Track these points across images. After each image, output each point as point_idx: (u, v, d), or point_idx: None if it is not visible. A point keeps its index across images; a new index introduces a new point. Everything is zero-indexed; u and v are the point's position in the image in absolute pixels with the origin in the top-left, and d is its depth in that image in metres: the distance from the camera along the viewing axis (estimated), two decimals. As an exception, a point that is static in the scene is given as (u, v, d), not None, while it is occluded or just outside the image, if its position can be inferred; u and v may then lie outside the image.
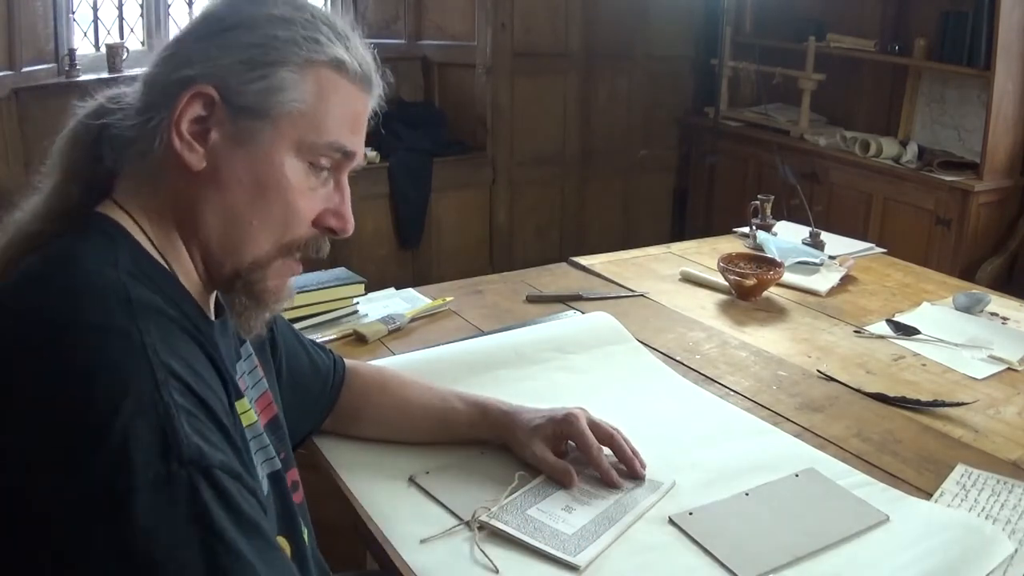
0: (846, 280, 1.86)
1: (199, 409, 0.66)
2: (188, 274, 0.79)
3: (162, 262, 0.77)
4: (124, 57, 3.23)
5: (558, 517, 0.99)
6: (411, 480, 1.07)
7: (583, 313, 1.62)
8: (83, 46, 3.25)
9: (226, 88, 0.75)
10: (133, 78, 0.81)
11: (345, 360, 1.18)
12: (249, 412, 0.81)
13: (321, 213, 0.81)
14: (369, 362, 1.26)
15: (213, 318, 0.83)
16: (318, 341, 1.20)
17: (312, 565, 0.90)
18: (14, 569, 0.63)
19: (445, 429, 1.14)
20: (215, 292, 0.85)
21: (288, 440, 0.96)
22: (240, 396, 0.80)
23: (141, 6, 3.43)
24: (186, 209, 0.77)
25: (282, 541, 0.83)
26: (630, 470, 1.07)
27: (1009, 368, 1.45)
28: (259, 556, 0.64)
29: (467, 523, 0.97)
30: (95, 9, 3.33)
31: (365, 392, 1.16)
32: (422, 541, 0.95)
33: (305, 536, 0.89)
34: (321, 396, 1.12)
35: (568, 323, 1.55)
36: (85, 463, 0.61)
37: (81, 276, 0.69)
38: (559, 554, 0.92)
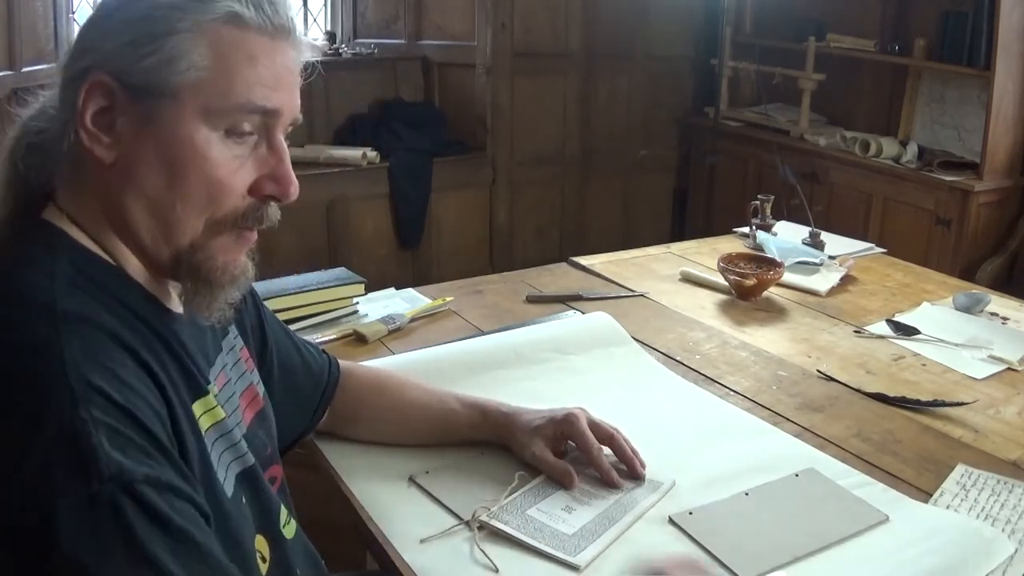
0: (846, 280, 1.86)
1: (123, 421, 0.63)
2: (136, 270, 0.77)
3: (110, 260, 0.75)
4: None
5: (558, 517, 0.99)
6: (411, 480, 1.07)
7: (583, 313, 1.62)
8: (83, 46, 3.25)
9: (119, 72, 0.71)
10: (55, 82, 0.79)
11: (341, 362, 1.17)
12: (215, 410, 0.78)
13: (257, 180, 0.77)
14: (366, 363, 1.26)
15: (180, 310, 0.81)
16: (317, 341, 1.20)
17: (295, 560, 0.88)
18: None
19: (444, 431, 1.14)
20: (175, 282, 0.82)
21: (274, 435, 0.94)
22: (203, 393, 0.77)
23: (141, 6, 3.43)
24: (112, 204, 0.75)
25: (260, 540, 0.82)
26: (630, 470, 1.07)
27: (1009, 368, 1.45)
28: (187, 569, 0.62)
29: (467, 523, 0.97)
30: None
31: (362, 394, 1.15)
32: (422, 541, 0.95)
33: (287, 531, 0.88)
34: (313, 397, 1.11)
35: (567, 323, 1.55)
36: (6, 490, 0.59)
37: (9, 292, 0.68)
38: (559, 554, 0.92)
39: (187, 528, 0.63)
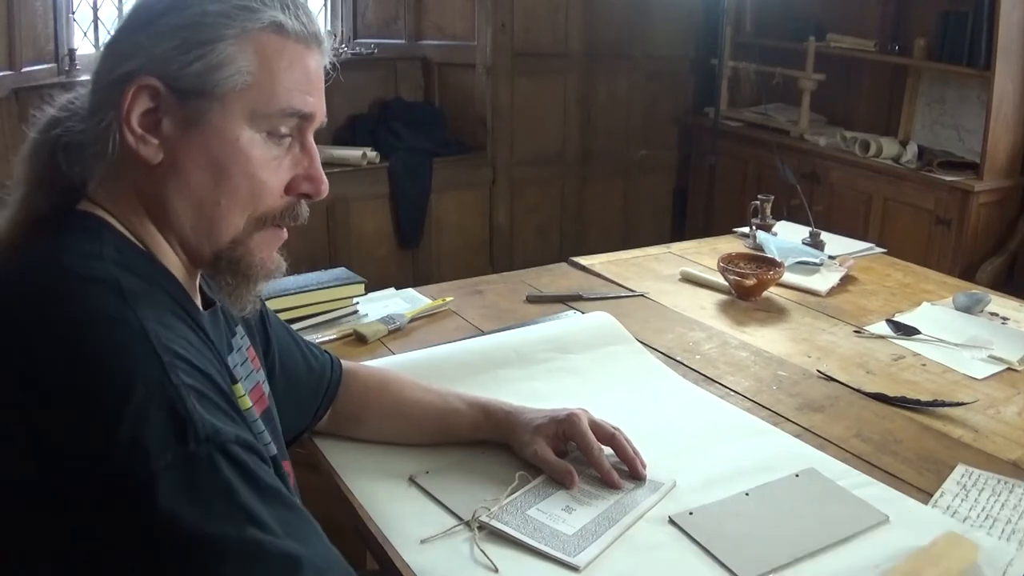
0: (846, 280, 1.86)
1: (208, 386, 0.67)
2: (172, 263, 0.80)
3: (146, 251, 0.78)
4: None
5: (558, 517, 0.99)
6: (411, 480, 1.07)
7: (583, 313, 1.62)
8: (83, 46, 3.25)
9: (167, 75, 0.74)
10: (83, 83, 0.81)
11: (343, 361, 1.17)
12: (244, 398, 0.82)
13: (292, 180, 0.81)
14: (368, 363, 1.26)
15: (202, 309, 0.84)
16: (317, 341, 1.20)
17: None
18: (27, 560, 0.64)
19: (446, 430, 1.14)
20: (199, 284, 0.85)
21: (280, 432, 0.95)
22: (236, 381, 0.81)
23: (141, 6, 3.43)
24: (154, 201, 0.78)
25: None
26: (631, 470, 1.07)
27: (1009, 368, 1.45)
28: (283, 524, 0.65)
29: (467, 523, 0.97)
30: (95, 9, 3.33)
31: (364, 394, 1.15)
32: (422, 541, 0.95)
33: None
34: (314, 396, 1.11)
35: (568, 323, 1.55)
36: (103, 454, 0.61)
37: (69, 271, 0.69)
38: (559, 554, 0.92)
39: (275, 485, 0.67)
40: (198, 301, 0.84)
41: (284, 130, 0.79)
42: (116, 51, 0.77)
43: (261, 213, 0.80)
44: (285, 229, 0.84)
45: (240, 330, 0.94)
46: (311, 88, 0.81)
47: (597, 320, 1.52)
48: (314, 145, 0.83)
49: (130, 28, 0.77)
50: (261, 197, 0.79)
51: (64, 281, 0.68)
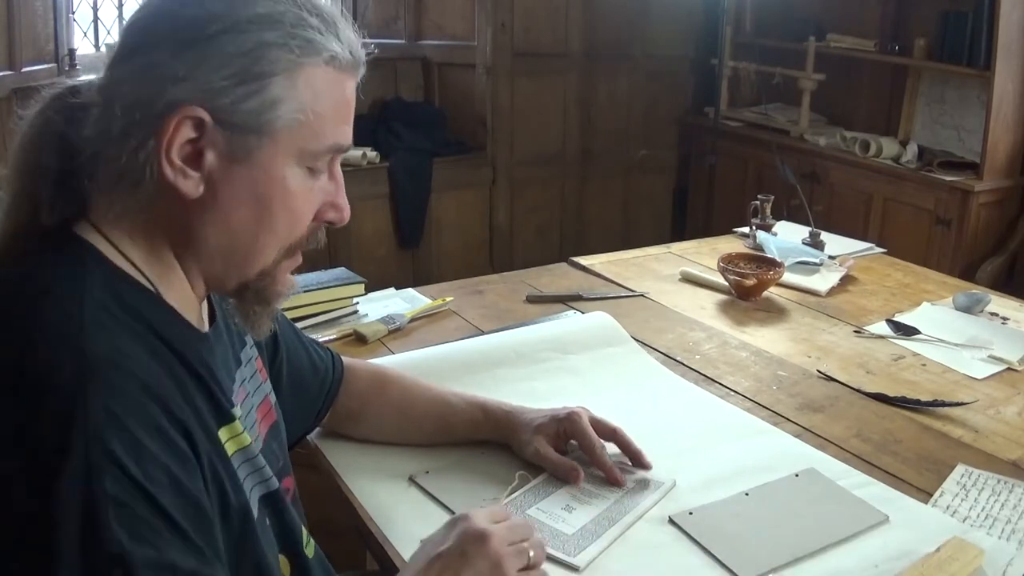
0: (846, 280, 1.86)
1: (135, 496, 0.62)
2: (180, 291, 0.76)
3: (145, 283, 0.73)
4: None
5: (558, 517, 0.99)
6: (411, 480, 1.07)
7: (583, 313, 1.62)
8: (83, 46, 3.25)
9: (217, 108, 0.69)
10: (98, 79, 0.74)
11: (344, 359, 1.17)
12: (242, 435, 0.78)
13: (320, 208, 0.79)
14: (369, 361, 1.26)
15: (207, 327, 0.81)
16: (318, 341, 1.19)
17: (321, 574, 0.88)
18: None
19: (446, 429, 1.14)
20: (206, 299, 0.82)
21: (285, 446, 0.95)
22: (231, 419, 0.76)
23: (141, 6, 3.43)
24: (183, 233, 0.74)
25: (282, 560, 0.82)
26: (637, 462, 1.07)
27: (1009, 368, 1.45)
28: None
29: (467, 523, 0.97)
30: (95, 9, 3.33)
31: (364, 393, 1.15)
32: (422, 541, 0.95)
33: (309, 551, 0.87)
34: (319, 396, 1.11)
35: (567, 323, 1.55)
36: (13, 524, 0.60)
37: (38, 321, 0.65)
38: (558, 554, 0.92)
39: None
40: (205, 323, 0.81)
41: (322, 165, 0.77)
42: (156, 70, 0.69)
43: (292, 244, 0.78)
44: (300, 255, 0.82)
45: (250, 340, 0.91)
46: (348, 117, 0.78)
47: (596, 320, 1.52)
48: (341, 173, 0.81)
49: (173, 45, 0.69)
50: (298, 230, 0.77)
51: (31, 335, 0.64)
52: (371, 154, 3.50)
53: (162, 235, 0.74)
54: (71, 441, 0.60)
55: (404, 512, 1.01)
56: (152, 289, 0.73)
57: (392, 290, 1.75)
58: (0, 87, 2.72)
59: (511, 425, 1.11)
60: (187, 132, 0.69)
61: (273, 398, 0.94)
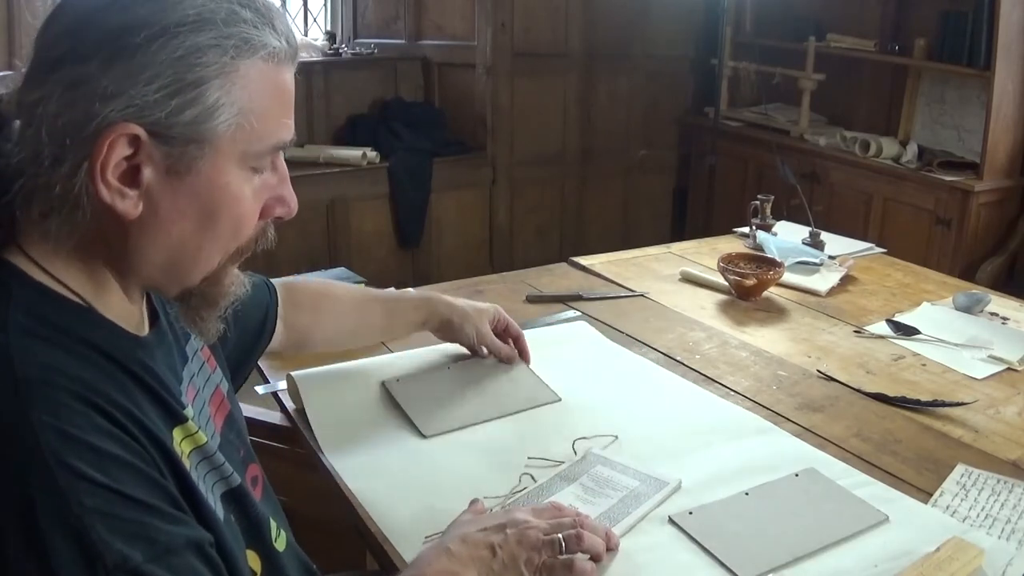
0: (846, 280, 1.86)
1: (111, 501, 0.62)
2: (116, 303, 0.73)
3: (77, 300, 0.70)
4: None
5: (558, 516, 0.99)
6: (382, 385, 1.19)
7: (583, 313, 1.62)
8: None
9: (152, 123, 0.65)
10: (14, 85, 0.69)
11: (278, 280, 1.18)
12: (197, 435, 0.76)
13: (266, 205, 0.76)
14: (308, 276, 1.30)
15: (147, 330, 0.78)
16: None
17: (289, 573, 0.88)
18: None
19: (391, 317, 1.28)
20: (144, 300, 0.80)
21: (245, 434, 0.93)
22: (183, 420, 0.75)
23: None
24: (121, 249, 0.70)
25: (251, 555, 0.81)
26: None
27: (1009, 368, 1.45)
28: None
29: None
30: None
31: (314, 300, 1.21)
32: (424, 540, 0.95)
33: (279, 544, 0.87)
34: (260, 315, 1.11)
35: (546, 332, 1.52)
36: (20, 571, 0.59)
37: None
38: None
39: None
40: (145, 325, 0.78)
41: (266, 163, 0.74)
42: (82, 86, 0.64)
43: (239, 247, 0.76)
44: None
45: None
46: (289, 109, 0.74)
47: (576, 330, 1.52)
48: (284, 165, 0.77)
49: (101, 57, 0.64)
50: (243, 233, 0.75)
51: None
52: (371, 154, 3.50)
53: (98, 254, 0.71)
54: (33, 474, 0.60)
55: (404, 512, 1.01)
56: (84, 305, 0.70)
57: (392, 290, 1.75)
58: (1, 86, 2.72)
59: (451, 305, 1.27)
60: (122, 150, 0.66)
61: (225, 386, 0.93)
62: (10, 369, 0.62)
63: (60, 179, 0.66)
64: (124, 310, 0.74)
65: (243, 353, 1.08)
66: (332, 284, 1.27)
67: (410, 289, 1.35)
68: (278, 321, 1.16)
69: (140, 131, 0.65)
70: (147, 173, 0.67)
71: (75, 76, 0.65)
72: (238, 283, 0.80)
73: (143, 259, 0.71)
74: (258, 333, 1.12)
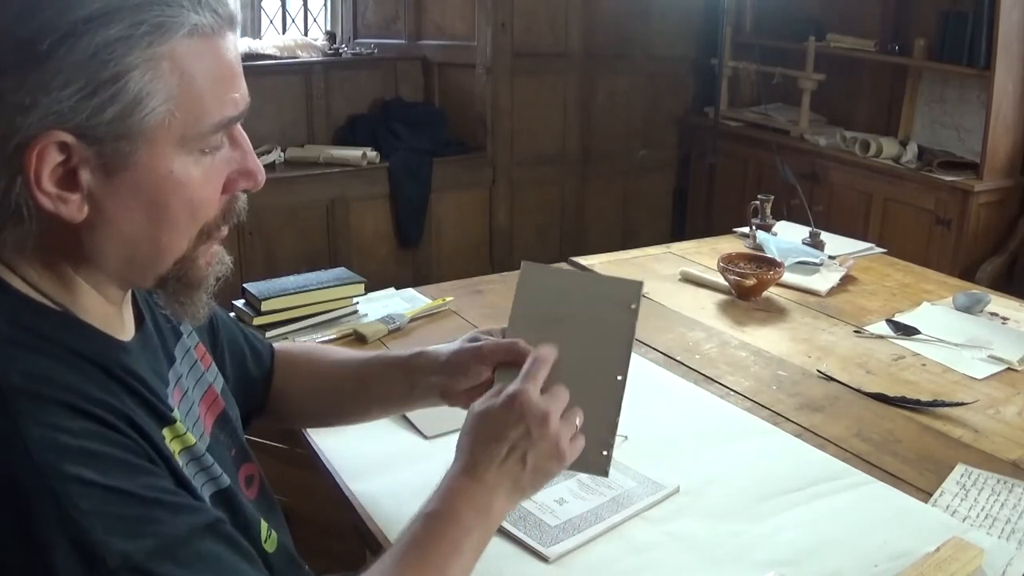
0: (846, 280, 1.87)
1: (108, 500, 0.62)
2: (93, 306, 0.73)
3: (52, 305, 0.69)
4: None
5: (547, 508, 0.99)
6: None
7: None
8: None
9: (76, 127, 0.64)
10: None
11: (278, 344, 1.15)
12: (185, 436, 0.76)
13: (228, 180, 0.74)
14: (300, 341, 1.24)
15: (132, 334, 0.78)
16: (317, 341, 1.19)
17: (278, 572, 0.86)
18: None
19: (365, 386, 1.06)
20: (131, 301, 0.79)
21: (239, 433, 0.93)
22: (171, 422, 0.74)
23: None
24: (79, 252, 0.70)
25: None
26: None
27: (1009, 368, 1.45)
28: None
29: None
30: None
31: (292, 367, 1.11)
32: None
33: (269, 545, 0.86)
34: (260, 379, 1.09)
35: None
36: None
37: None
38: (532, 543, 0.93)
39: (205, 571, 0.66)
40: (129, 329, 0.78)
41: (216, 140, 0.71)
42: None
43: (204, 228, 0.74)
44: (225, 227, 0.77)
45: (187, 328, 0.89)
46: (235, 83, 0.71)
47: None
48: (244, 136, 0.75)
49: (11, 67, 0.63)
50: (203, 215, 0.73)
51: None
52: (371, 154, 3.50)
53: (60, 258, 0.70)
54: (26, 484, 0.60)
55: (404, 512, 1.00)
56: (62, 310, 0.70)
57: (392, 290, 1.75)
58: None
59: (437, 358, 0.99)
60: (54, 157, 0.64)
61: (219, 385, 0.92)
62: None
63: (0, 194, 0.65)
64: (103, 313, 0.74)
65: (244, 413, 1.04)
66: (315, 350, 1.16)
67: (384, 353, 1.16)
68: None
69: (67, 136, 0.64)
70: (84, 175, 0.66)
71: None
72: (217, 261, 0.78)
73: (103, 258, 0.71)
74: (258, 398, 1.09)
